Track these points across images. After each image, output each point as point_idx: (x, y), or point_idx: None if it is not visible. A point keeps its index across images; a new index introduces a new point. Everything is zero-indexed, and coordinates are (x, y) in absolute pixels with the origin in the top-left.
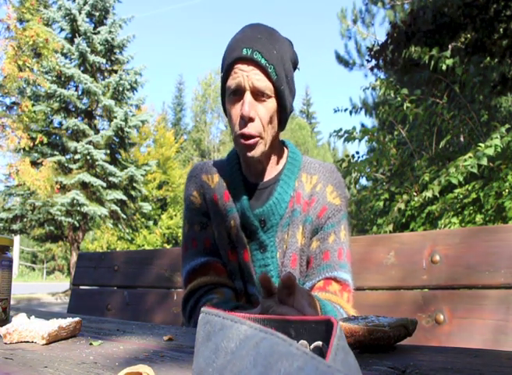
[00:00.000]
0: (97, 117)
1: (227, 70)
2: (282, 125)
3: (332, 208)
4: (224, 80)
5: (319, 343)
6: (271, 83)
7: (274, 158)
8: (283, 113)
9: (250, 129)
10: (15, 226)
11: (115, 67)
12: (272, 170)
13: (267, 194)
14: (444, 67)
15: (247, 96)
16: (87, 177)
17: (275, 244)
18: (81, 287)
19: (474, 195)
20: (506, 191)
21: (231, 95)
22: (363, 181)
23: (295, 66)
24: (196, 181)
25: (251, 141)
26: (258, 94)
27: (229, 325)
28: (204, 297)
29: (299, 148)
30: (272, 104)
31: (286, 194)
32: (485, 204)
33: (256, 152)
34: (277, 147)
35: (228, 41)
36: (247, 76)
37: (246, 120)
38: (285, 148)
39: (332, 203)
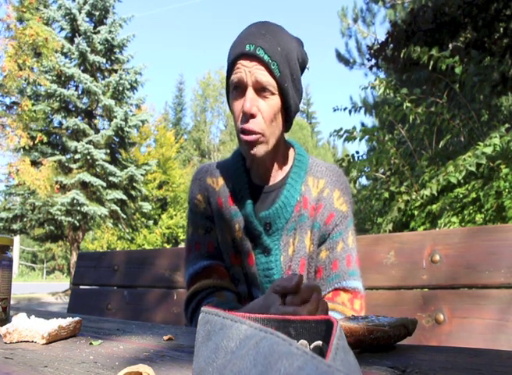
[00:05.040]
0: (97, 117)
1: (231, 66)
2: (287, 125)
3: (339, 215)
4: (228, 76)
5: (319, 343)
6: (274, 80)
7: (279, 160)
8: (288, 113)
9: (251, 124)
10: (15, 226)
11: (115, 67)
12: (277, 173)
13: (273, 198)
14: (444, 66)
15: (249, 92)
16: (87, 177)
17: (279, 247)
18: (81, 286)
19: (474, 195)
20: (506, 190)
21: (234, 91)
22: (363, 181)
23: (303, 65)
24: (200, 184)
25: (252, 137)
26: (261, 90)
27: (229, 324)
28: (206, 299)
29: None
30: (275, 101)
31: (293, 199)
32: (485, 203)
33: (259, 151)
34: (282, 148)
35: (231, 40)
36: (249, 71)
37: (247, 116)
38: (291, 149)
39: (340, 210)
